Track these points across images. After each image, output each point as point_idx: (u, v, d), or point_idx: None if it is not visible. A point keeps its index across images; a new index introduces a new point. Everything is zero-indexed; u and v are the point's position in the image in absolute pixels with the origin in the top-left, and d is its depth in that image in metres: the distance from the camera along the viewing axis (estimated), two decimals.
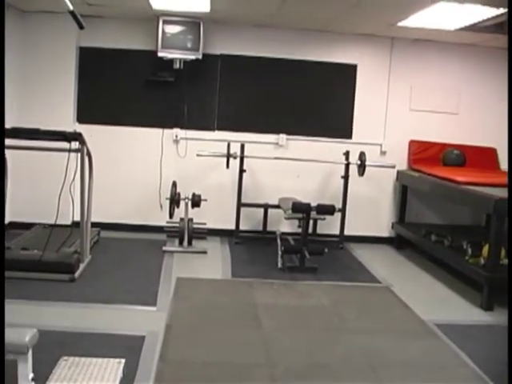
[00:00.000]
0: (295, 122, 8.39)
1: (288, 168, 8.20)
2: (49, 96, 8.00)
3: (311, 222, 7.52)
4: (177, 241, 7.72)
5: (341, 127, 8.43)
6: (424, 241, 7.55)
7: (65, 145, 6.22)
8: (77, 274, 6.14)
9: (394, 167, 8.22)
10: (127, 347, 4.43)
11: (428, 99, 8.45)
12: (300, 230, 7.22)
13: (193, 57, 7.85)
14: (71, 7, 4.10)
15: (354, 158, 7.98)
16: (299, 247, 7.04)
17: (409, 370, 4.38)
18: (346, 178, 8.06)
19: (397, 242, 8.48)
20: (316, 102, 8.40)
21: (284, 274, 6.79)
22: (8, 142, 6.53)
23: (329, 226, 8.12)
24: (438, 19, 6.69)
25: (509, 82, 7.01)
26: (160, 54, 7.81)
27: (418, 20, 6.81)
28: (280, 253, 7.09)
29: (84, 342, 4.50)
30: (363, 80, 8.40)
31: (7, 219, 7.16)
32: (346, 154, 8.04)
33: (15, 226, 7.78)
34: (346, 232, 8.21)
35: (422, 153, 8.42)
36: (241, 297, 5.93)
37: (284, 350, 4.62)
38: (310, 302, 5.89)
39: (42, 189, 7.74)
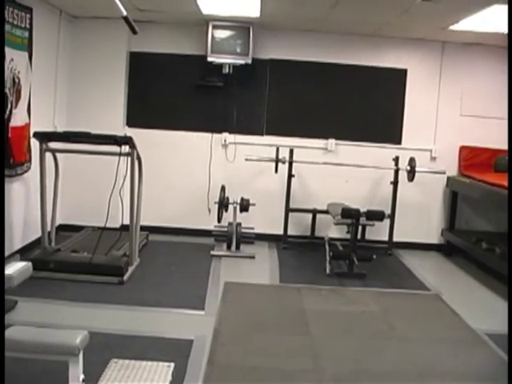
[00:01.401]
0: (344, 126, 8.35)
1: (337, 173, 8.14)
2: (99, 100, 8.10)
3: (360, 227, 7.45)
4: (225, 245, 7.74)
5: (390, 132, 8.36)
6: (474, 248, 7.44)
7: (115, 148, 6.28)
8: (126, 277, 6.19)
9: (444, 173, 8.11)
10: (176, 351, 4.45)
11: (479, 104, 8.30)
12: (348, 236, 7.18)
13: (242, 61, 7.88)
14: (125, 13, 4.13)
15: (403, 164, 7.89)
16: (348, 253, 6.99)
17: (458, 379, 4.30)
18: (395, 183, 7.97)
19: (446, 249, 8.36)
20: (365, 106, 8.34)
21: (332, 279, 6.75)
22: (59, 145, 6.67)
23: (377, 232, 8.03)
24: (492, 22, 6.57)
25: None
26: (210, 59, 7.85)
27: (471, 23, 6.70)
28: (328, 258, 7.05)
29: (133, 345, 4.53)
30: (413, 85, 8.31)
31: (58, 222, 7.24)
32: (396, 159, 7.96)
33: (65, 228, 7.90)
34: (395, 238, 8.11)
35: (473, 159, 8.29)
36: (289, 302, 5.90)
37: (332, 356, 4.58)
38: (359, 308, 5.83)
39: (92, 192, 7.82)
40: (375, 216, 6.97)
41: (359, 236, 7.51)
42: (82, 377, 3.23)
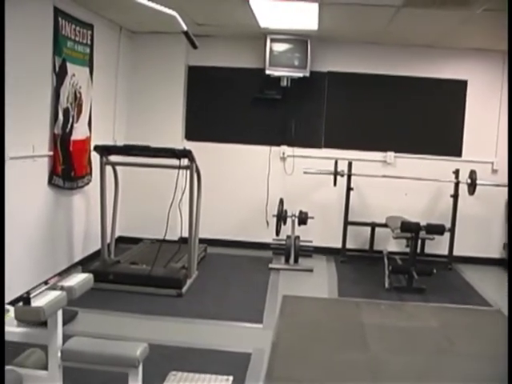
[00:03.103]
0: (403, 139, 8.26)
1: (396, 186, 8.05)
2: (158, 114, 8.20)
3: (419, 241, 7.33)
4: (283, 258, 7.71)
5: (450, 145, 8.23)
6: None
7: (174, 162, 6.34)
8: (184, 290, 6.23)
9: (505, 186, 7.91)
10: (234, 364, 4.45)
11: None
12: (408, 250, 7.08)
13: (300, 74, 7.88)
14: (185, 28, 4.16)
15: (464, 177, 7.75)
16: (407, 267, 6.88)
17: None
18: (455, 196, 7.84)
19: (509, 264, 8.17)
20: (425, 118, 8.23)
21: (391, 294, 6.66)
22: (119, 158, 6.76)
23: (437, 245, 7.91)
24: None
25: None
26: (268, 72, 7.87)
27: None
28: (387, 272, 6.96)
29: (192, 357, 4.55)
30: (474, 96, 8.17)
31: (117, 234, 7.33)
32: (456, 172, 7.83)
33: (124, 240, 8.00)
34: (455, 252, 7.97)
35: None
36: (347, 316, 5.85)
37: (391, 372, 4.52)
38: (418, 323, 5.74)
39: (151, 204, 7.91)
40: (435, 230, 6.85)
41: (418, 250, 7.41)
42: None
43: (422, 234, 6.86)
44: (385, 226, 7.74)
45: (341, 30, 7.36)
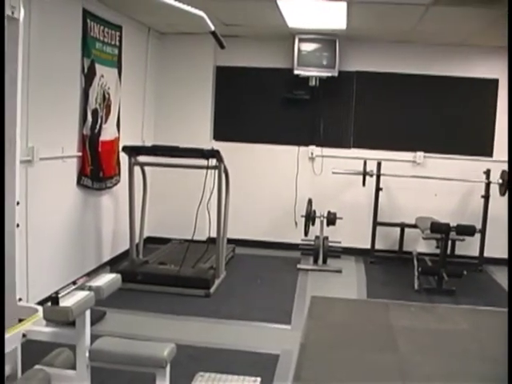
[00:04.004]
0: (433, 139, 8.17)
1: (425, 186, 7.97)
2: (186, 114, 8.21)
3: (449, 242, 7.25)
4: (311, 259, 7.68)
5: (481, 144, 8.12)
6: None
7: (202, 162, 6.34)
8: (212, 290, 6.22)
9: None
10: (262, 365, 4.43)
11: None
12: (437, 251, 7.01)
13: (329, 74, 7.85)
14: (213, 28, 4.17)
15: (495, 177, 7.64)
16: (437, 268, 6.81)
17: None
18: (486, 197, 7.73)
19: None
20: (455, 118, 8.13)
21: (421, 295, 6.59)
22: (148, 159, 6.78)
23: (467, 247, 7.82)
24: None
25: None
26: (296, 72, 7.85)
27: None
28: (417, 274, 6.89)
29: (219, 358, 4.54)
30: (505, 94, 8.00)
31: (145, 234, 7.35)
32: (487, 172, 7.72)
33: (152, 240, 8.00)
34: (486, 254, 7.86)
35: None
36: (376, 318, 5.80)
37: (421, 375, 4.46)
38: (449, 326, 5.66)
39: (179, 205, 7.92)
40: (466, 231, 6.78)
41: (448, 251, 7.33)
42: None
43: (452, 234, 6.79)
44: (414, 226, 7.67)
45: (369, 29, 7.31)
